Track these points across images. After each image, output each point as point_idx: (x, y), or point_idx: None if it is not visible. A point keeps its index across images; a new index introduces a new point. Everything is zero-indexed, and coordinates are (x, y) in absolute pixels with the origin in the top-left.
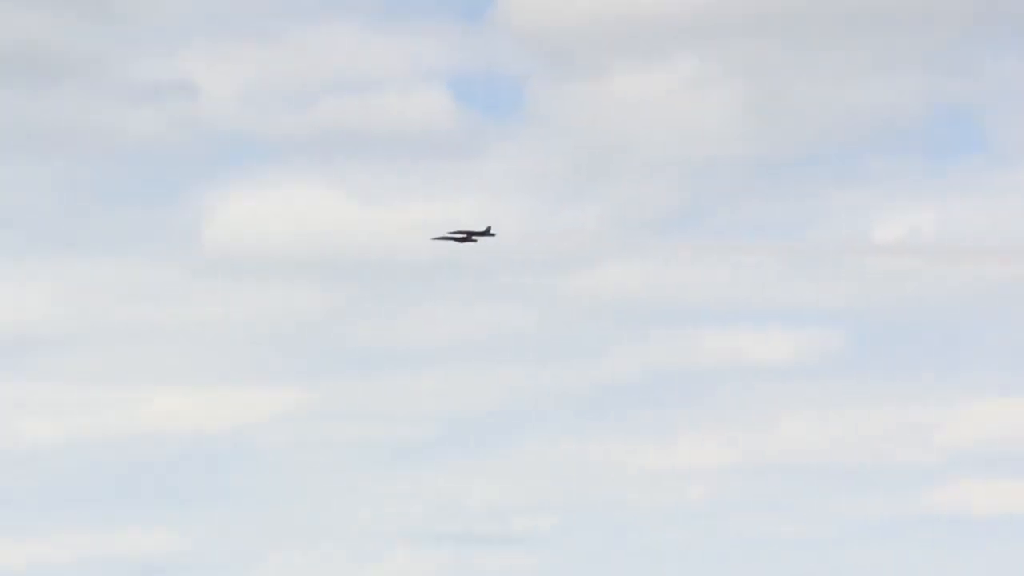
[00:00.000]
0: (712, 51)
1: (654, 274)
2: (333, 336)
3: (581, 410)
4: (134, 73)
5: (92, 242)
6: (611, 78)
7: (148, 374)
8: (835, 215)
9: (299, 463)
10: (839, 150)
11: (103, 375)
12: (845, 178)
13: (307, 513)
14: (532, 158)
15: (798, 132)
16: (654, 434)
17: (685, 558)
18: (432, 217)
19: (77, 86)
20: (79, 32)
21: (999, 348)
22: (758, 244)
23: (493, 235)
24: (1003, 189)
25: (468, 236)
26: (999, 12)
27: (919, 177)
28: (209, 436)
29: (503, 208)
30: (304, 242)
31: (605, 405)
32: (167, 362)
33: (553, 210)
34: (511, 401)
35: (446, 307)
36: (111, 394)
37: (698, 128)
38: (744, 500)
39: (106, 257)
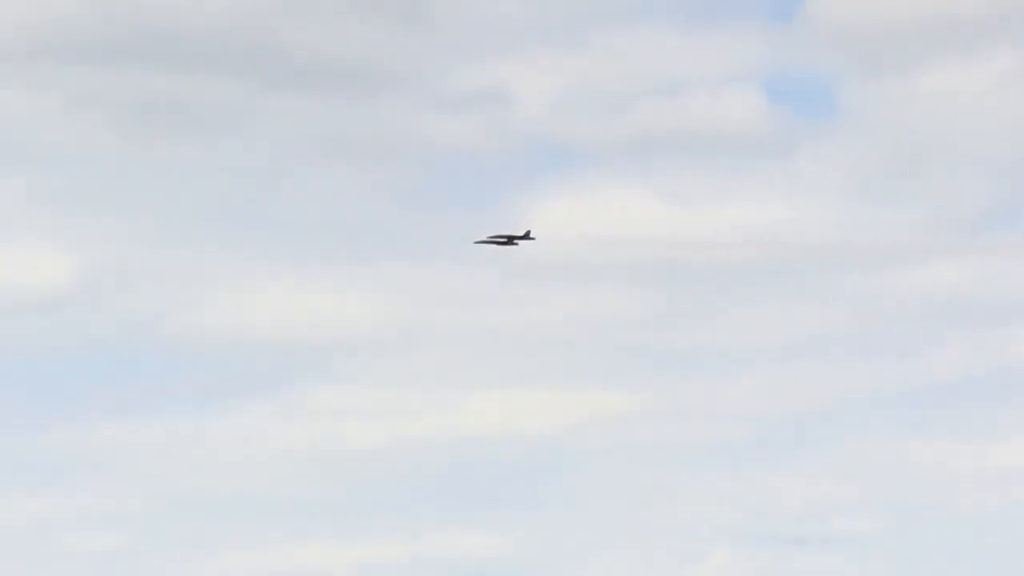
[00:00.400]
0: None
1: (972, 272)
2: (650, 338)
3: (900, 410)
4: (450, 82)
5: (411, 248)
6: (925, 74)
7: (468, 378)
8: None
9: (618, 464)
10: None
11: (424, 379)
12: None
13: (627, 514)
14: (846, 157)
15: None
16: (975, 434)
17: (1009, 560)
18: (747, 217)
19: (394, 96)
20: (395, 43)
21: None
22: None
23: (533, 239)
24: None
25: (509, 240)
26: None
27: None
28: (529, 438)
29: (817, 207)
30: (619, 245)
31: (925, 405)
32: (487, 366)
33: (867, 209)
34: (830, 401)
35: (763, 308)
36: (432, 398)
37: (1016, 123)
38: None
39: (424, 263)
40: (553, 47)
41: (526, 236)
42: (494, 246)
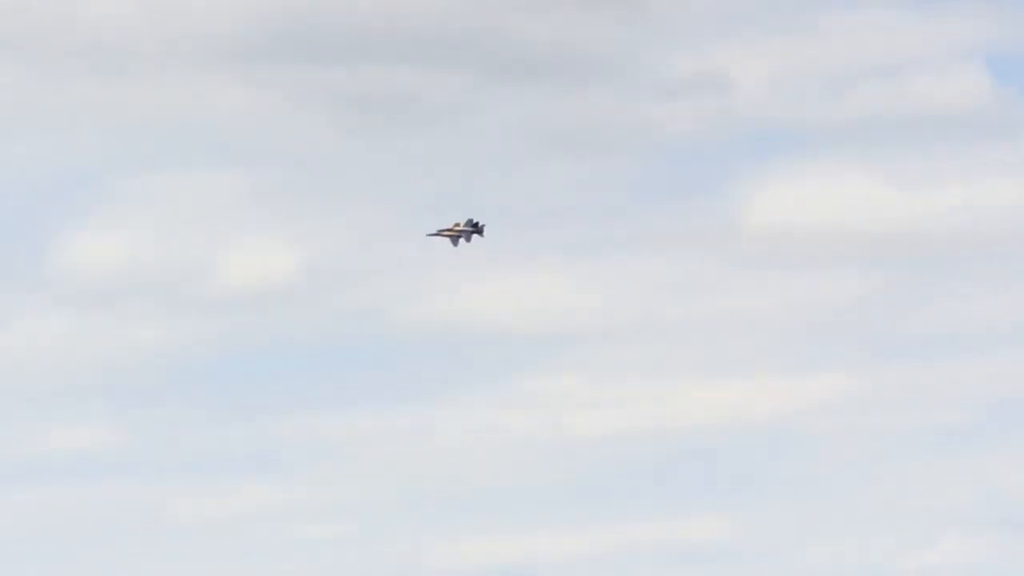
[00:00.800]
0: None
1: None
2: (874, 322)
3: None
4: (667, 69)
5: (631, 237)
6: None
7: (688, 366)
8: None
9: (844, 451)
10: None
11: (644, 368)
12: None
13: (850, 501)
14: None
15: None
16: None
17: None
18: (970, 200)
19: (611, 85)
20: (612, 31)
21: None
22: None
23: (481, 234)
24: None
25: (461, 233)
26: None
27: None
28: (749, 426)
29: None
30: (842, 228)
31: None
32: (709, 353)
33: None
34: None
35: (986, 290)
36: (652, 387)
37: None
38: None
39: (645, 252)
40: (771, 30)
41: (476, 230)
42: (449, 239)
